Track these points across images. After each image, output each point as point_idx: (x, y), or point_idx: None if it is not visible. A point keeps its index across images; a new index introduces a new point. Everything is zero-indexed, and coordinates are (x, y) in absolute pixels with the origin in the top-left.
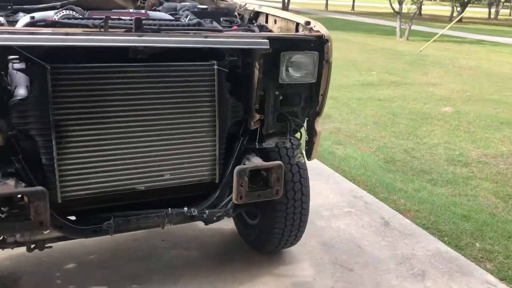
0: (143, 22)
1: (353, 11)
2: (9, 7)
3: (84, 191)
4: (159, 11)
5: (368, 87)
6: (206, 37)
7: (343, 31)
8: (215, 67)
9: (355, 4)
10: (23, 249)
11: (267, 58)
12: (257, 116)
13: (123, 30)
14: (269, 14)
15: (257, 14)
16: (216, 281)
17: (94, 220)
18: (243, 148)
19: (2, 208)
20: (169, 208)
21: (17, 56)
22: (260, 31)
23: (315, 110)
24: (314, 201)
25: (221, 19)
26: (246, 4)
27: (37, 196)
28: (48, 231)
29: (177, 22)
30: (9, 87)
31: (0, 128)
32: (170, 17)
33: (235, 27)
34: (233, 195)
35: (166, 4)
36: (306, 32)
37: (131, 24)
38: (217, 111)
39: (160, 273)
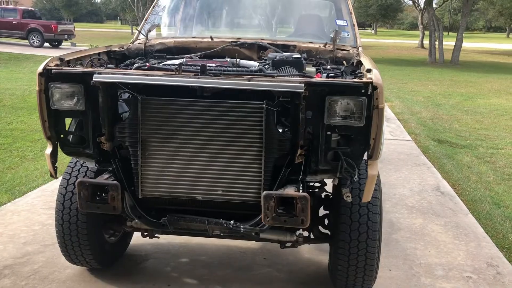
0: (220, 68)
1: None
2: (164, 56)
3: (158, 192)
4: (265, 59)
5: None
6: (249, 80)
7: None
8: (264, 106)
9: None
10: (165, 240)
11: (313, 101)
12: (299, 151)
13: (193, 73)
14: (362, 62)
15: (360, 61)
16: None
17: (161, 216)
18: (285, 178)
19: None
20: (208, 218)
21: (123, 90)
22: (354, 77)
23: (368, 153)
24: (437, 258)
25: (329, 66)
26: (358, 53)
27: (112, 187)
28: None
29: (243, 69)
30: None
31: (110, 139)
32: (255, 65)
33: (318, 75)
34: (261, 216)
35: (270, 55)
36: (356, 79)
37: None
38: (264, 143)
39: (243, 283)
